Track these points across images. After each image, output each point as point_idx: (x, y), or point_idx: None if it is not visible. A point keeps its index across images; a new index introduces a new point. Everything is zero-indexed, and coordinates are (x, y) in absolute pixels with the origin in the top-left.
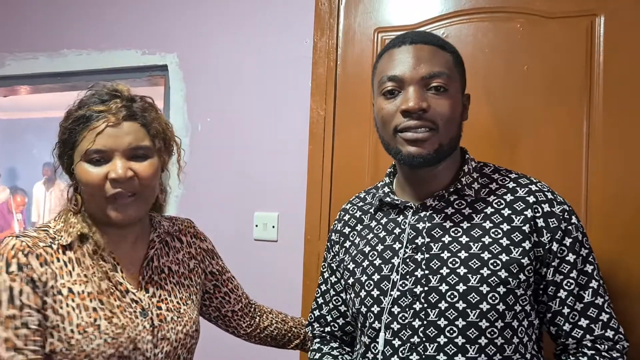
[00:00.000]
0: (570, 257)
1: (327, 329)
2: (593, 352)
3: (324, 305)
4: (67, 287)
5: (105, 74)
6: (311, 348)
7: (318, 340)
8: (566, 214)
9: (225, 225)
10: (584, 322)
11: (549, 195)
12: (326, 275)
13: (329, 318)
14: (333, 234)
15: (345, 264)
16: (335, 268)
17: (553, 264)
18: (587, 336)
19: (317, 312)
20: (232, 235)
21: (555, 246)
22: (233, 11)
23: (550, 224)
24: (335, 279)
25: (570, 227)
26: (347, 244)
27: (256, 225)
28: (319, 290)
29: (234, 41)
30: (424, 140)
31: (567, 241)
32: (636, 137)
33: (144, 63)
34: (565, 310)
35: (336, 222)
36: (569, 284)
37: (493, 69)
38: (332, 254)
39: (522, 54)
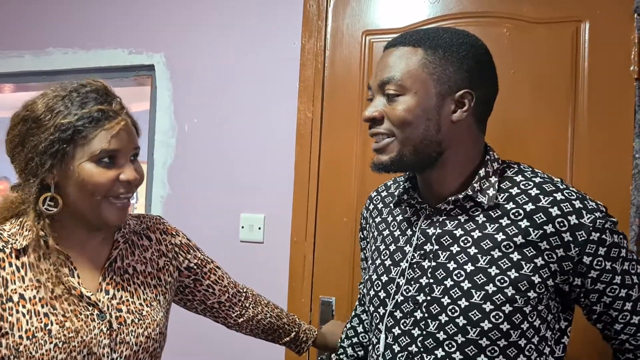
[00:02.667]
0: (608, 265)
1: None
2: None
3: (363, 272)
4: (18, 293)
5: (91, 73)
6: (353, 314)
7: (356, 310)
8: (598, 222)
9: (211, 227)
10: (636, 319)
11: (576, 205)
12: (361, 246)
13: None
14: (362, 219)
15: (366, 254)
16: (362, 247)
17: (590, 275)
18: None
19: (363, 275)
20: (218, 237)
21: (587, 259)
22: (221, 12)
23: (579, 237)
24: (363, 256)
25: (604, 236)
26: (370, 234)
27: (242, 227)
28: (361, 257)
29: (221, 42)
30: (382, 149)
31: (602, 251)
32: (620, 141)
33: (131, 62)
34: (613, 313)
35: (364, 209)
36: (612, 290)
37: None
38: (362, 235)
39: (508, 59)
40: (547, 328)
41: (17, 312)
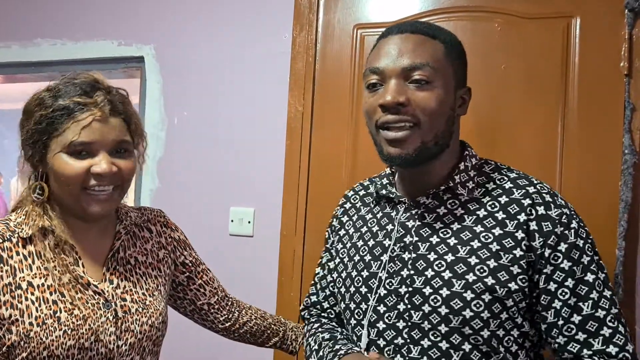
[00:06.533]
0: (565, 265)
1: (324, 314)
2: None
3: (320, 292)
4: (26, 280)
5: (80, 64)
6: (307, 328)
7: (316, 316)
8: (564, 217)
9: (200, 220)
10: (581, 337)
11: (546, 198)
12: (325, 259)
13: (325, 305)
14: (334, 220)
15: (340, 254)
16: (334, 255)
17: (545, 270)
18: (585, 351)
19: (314, 298)
20: (207, 230)
21: (547, 252)
22: (212, 3)
23: (544, 227)
24: (334, 265)
25: (567, 232)
26: (342, 232)
27: (232, 220)
28: (317, 276)
29: (212, 34)
30: (403, 140)
31: (562, 247)
32: (609, 136)
33: (120, 54)
34: (560, 322)
35: (338, 207)
36: (563, 294)
37: (471, 67)
38: (332, 239)
39: (499, 54)
40: (531, 326)
41: (27, 299)
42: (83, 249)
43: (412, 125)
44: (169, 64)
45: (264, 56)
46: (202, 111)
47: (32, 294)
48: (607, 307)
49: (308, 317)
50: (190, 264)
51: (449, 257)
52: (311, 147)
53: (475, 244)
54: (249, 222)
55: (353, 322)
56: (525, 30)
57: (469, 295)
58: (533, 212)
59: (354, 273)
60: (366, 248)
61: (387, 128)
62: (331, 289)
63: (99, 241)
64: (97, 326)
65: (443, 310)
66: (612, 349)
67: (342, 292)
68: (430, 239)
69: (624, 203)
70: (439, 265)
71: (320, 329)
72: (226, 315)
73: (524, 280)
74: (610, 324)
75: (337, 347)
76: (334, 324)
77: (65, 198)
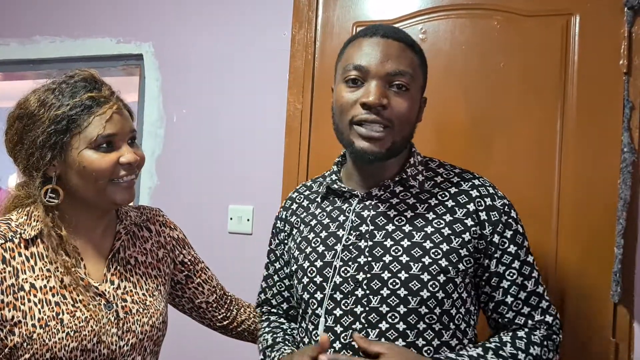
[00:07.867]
0: (512, 249)
1: (273, 310)
2: (532, 329)
3: (267, 290)
4: (29, 282)
5: (78, 62)
6: (260, 326)
7: (267, 314)
8: (506, 207)
9: (199, 218)
10: (526, 310)
11: (490, 190)
12: (272, 259)
13: (273, 302)
14: (278, 222)
15: (291, 251)
16: (279, 255)
17: (495, 255)
18: (529, 322)
19: (262, 296)
20: (206, 228)
21: (496, 238)
22: (211, 1)
23: (492, 217)
24: (279, 265)
25: (510, 220)
26: (294, 231)
27: (231, 218)
28: (264, 275)
29: (211, 31)
30: (378, 138)
31: (508, 233)
32: (608, 134)
33: (119, 52)
34: (509, 300)
35: (282, 209)
36: (511, 274)
37: (469, 65)
38: (277, 241)
39: (498, 51)
40: (471, 303)
41: (29, 301)
42: (85, 250)
43: (386, 127)
44: (167, 61)
45: (263, 54)
46: (201, 109)
47: (35, 295)
48: (542, 284)
49: (261, 314)
50: (188, 263)
51: (405, 243)
52: (310, 145)
53: (429, 229)
54: (248, 220)
55: (309, 311)
56: (524, 27)
57: (425, 276)
58: (482, 203)
59: (306, 264)
60: (318, 240)
61: (360, 124)
62: (278, 287)
63: (101, 242)
64: (99, 327)
65: (402, 292)
66: (548, 318)
67: (295, 284)
68: (386, 227)
69: (623, 201)
70: (396, 251)
71: (267, 329)
72: (224, 314)
73: (468, 262)
74: (547, 297)
75: (272, 355)
76: (282, 319)
77: (90, 194)
